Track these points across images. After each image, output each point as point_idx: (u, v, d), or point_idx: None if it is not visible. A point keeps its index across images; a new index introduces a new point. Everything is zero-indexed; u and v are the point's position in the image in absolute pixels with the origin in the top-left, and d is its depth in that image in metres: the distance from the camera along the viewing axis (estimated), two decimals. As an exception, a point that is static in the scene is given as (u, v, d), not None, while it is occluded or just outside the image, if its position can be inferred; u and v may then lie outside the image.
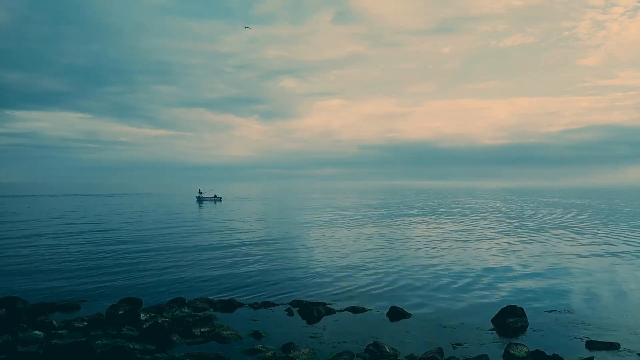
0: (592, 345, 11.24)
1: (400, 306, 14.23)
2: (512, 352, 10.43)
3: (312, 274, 19.88)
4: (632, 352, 10.91)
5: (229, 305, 14.57)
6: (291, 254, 25.41)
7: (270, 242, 30.25)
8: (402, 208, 70.13)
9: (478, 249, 27.55)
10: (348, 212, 61.38)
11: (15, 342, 10.74)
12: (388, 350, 10.56)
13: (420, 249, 27.49)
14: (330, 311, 14.13)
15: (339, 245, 29.01)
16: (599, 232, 36.90)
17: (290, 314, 13.96)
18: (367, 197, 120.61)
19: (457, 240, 31.26)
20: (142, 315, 12.80)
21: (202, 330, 11.92)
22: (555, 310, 14.36)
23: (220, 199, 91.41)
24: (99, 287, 17.26)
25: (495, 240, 31.56)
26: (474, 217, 51.59)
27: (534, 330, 12.50)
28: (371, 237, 33.47)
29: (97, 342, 10.66)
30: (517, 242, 30.53)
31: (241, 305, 14.78)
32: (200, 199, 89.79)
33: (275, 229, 39.08)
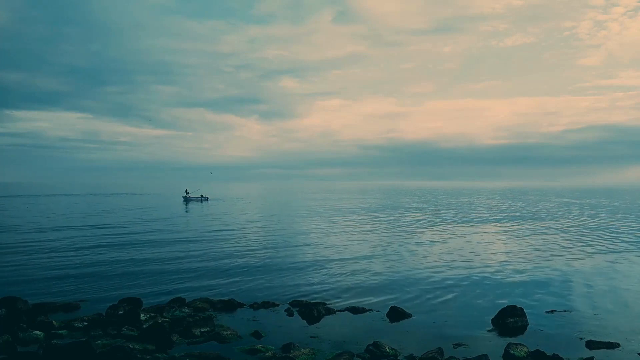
0: (592, 345, 11.24)
1: (400, 306, 14.23)
2: (512, 352, 10.43)
3: (312, 274, 19.89)
4: (632, 352, 10.92)
5: (229, 305, 14.57)
6: (291, 254, 25.40)
7: (270, 242, 30.24)
8: (403, 208, 70.11)
9: (478, 248, 27.55)
10: (348, 212, 61.37)
11: (15, 342, 10.74)
12: (388, 350, 10.56)
13: (420, 248, 27.48)
14: (330, 311, 14.13)
15: (339, 245, 29.00)
16: (602, 231, 36.90)
17: (290, 314, 13.96)
18: (367, 197, 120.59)
19: (457, 240, 31.26)
20: (142, 315, 12.80)
21: (202, 330, 11.91)
22: (555, 310, 14.35)
23: (207, 199, 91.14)
24: (99, 287, 17.26)
25: (495, 240, 31.55)
26: (473, 217, 51.58)
27: (534, 330, 12.50)
28: (370, 237, 33.46)
29: (97, 342, 10.66)
30: (517, 242, 30.53)
31: (241, 305, 14.78)
32: (187, 199, 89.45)
33: (274, 229, 39.07)
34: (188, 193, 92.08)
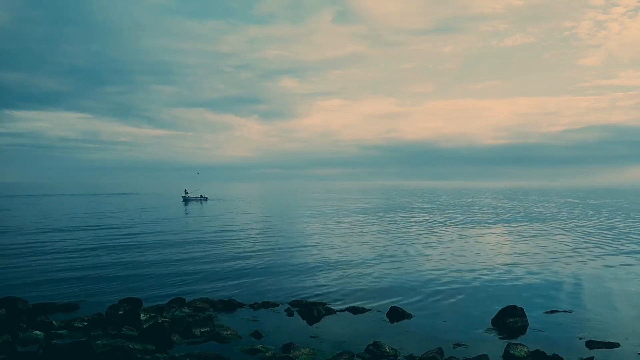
0: (592, 345, 11.24)
1: (400, 306, 14.23)
2: (512, 352, 10.43)
3: (312, 274, 19.88)
4: (632, 352, 10.91)
5: (229, 305, 14.57)
6: (291, 254, 25.40)
7: (270, 242, 30.23)
8: (404, 208, 70.08)
9: (478, 248, 27.54)
10: (349, 212, 61.35)
11: (15, 342, 10.74)
12: (388, 350, 10.56)
13: (420, 248, 27.47)
14: (330, 311, 14.12)
15: (338, 245, 28.99)
16: (604, 231, 36.89)
17: (290, 314, 13.95)
18: (368, 197, 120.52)
19: (457, 240, 31.25)
20: (142, 315, 12.80)
21: (202, 330, 11.91)
22: (555, 310, 14.35)
23: (206, 199, 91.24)
24: (99, 287, 17.26)
25: (496, 240, 31.55)
26: (474, 217, 51.55)
27: (534, 330, 12.50)
28: (371, 237, 33.46)
29: (97, 342, 10.66)
30: (518, 242, 30.52)
31: (241, 305, 14.77)
32: (186, 199, 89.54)
33: (274, 229, 39.06)
34: (187, 193, 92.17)
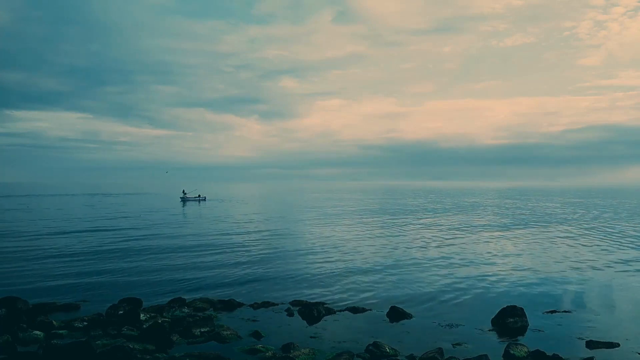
0: (592, 345, 11.24)
1: (400, 306, 14.23)
2: (512, 352, 10.42)
3: (312, 274, 19.88)
4: (632, 352, 10.91)
5: (229, 305, 14.57)
6: (291, 254, 25.41)
7: (270, 242, 30.23)
8: (404, 208, 70.06)
9: (479, 248, 27.54)
10: (349, 213, 61.35)
11: (15, 342, 10.73)
12: (388, 350, 10.56)
13: (420, 248, 27.47)
14: (330, 311, 14.12)
15: (339, 245, 28.99)
16: (603, 231, 36.88)
17: (290, 314, 13.95)
18: (368, 197, 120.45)
19: (457, 240, 31.24)
20: (142, 315, 12.80)
21: (202, 330, 11.91)
22: (555, 311, 14.35)
23: (204, 199, 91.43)
24: (99, 287, 17.26)
25: (496, 240, 31.54)
26: (475, 216, 51.55)
27: (534, 330, 12.50)
28: (371, 237, 33.47)
29: (97, 342, 10.66)
30: (517, 242, 30.53)
31: (241, 305, 14.77)
32: (184, 199, 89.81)
33: (274, 229, 39.05)
34: (185, 193, 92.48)
